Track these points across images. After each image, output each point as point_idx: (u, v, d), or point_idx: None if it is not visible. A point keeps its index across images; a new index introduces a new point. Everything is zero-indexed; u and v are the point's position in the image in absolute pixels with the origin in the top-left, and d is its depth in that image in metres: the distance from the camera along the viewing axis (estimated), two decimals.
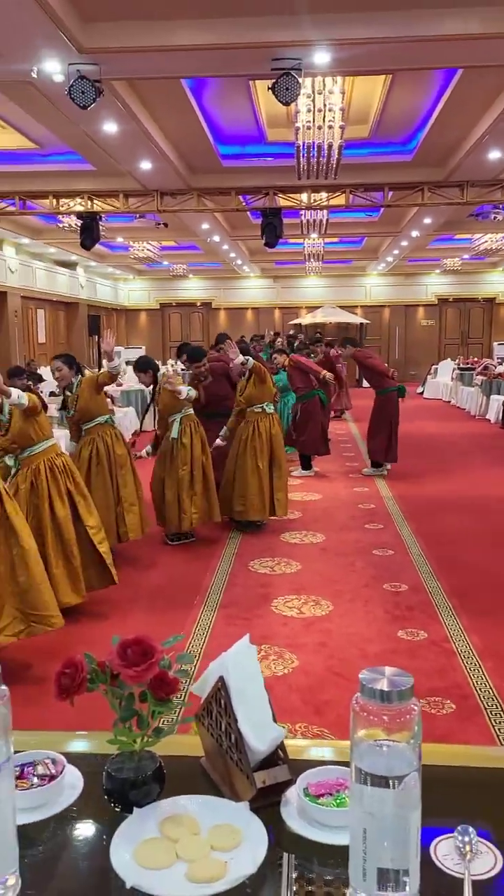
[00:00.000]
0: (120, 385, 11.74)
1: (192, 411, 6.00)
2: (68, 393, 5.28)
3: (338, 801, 1.01)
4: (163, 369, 6.12)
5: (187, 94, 7.73)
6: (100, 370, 6.14)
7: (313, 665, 3.75)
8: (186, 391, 5.77)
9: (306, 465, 8.86)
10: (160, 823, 0.98)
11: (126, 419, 11.05)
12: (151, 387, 6.07)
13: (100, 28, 5.96)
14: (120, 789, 1.02)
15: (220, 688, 1.07)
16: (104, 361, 5.20)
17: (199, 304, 24.35)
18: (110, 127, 8.07)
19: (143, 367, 6.03)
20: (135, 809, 0.99)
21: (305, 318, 21.68)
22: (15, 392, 4.15)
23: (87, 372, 5.46)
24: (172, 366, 6.87)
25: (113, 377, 5.26)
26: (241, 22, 5.85)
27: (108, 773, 1.03)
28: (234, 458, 6.20)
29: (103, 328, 5.61)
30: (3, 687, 0.86)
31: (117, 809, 1.03)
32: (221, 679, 1.07)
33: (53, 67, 6.30)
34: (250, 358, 5.99)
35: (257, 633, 4.12)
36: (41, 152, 9.94)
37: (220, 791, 1.08)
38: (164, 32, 5.93)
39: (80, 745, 1.26)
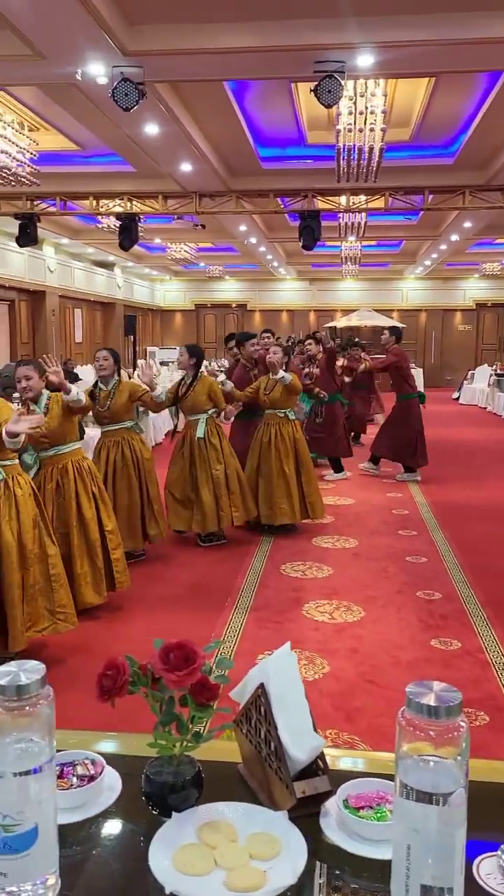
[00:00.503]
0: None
1: (213, 413, 5.99)
2: (102, 387, 5.29)
3: (378, 814, 0.99)
4: (203, 368, 6.15)
5: (229, 96, 7.75)
6: (135, 370, 6.18)
7: (344, 671, 3.72)
8: (231, 386, 6.07)
9: (338, 468, 8.82)
10: (198, 829, 0.98)
11: (159, 419, 11.12)
12: (183, 375, 6.04)
13: (144, 31, 6.01)
14: (159, 793, 1.01)
15: (261, 694, 1.07)
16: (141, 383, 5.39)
17: (234, 305, 24.40)
18: (152, 129, 8.12)
19: (195, 353, 5.94)
20: (173, 814, 0.99)
21: (341, 321, 21.59)
22: (74, 389, 4.21)
23: (124, 373, 5.52)
24: (210, 366, 6.93)
25: (158, 405, 5.58)
26: (284, 24, 5.85)
27: (147, 777, 1.03)
28: (256, 461, 6.19)
29: (142, 369, 5.69)
30: (48, 687, 0.87)
31: (155, 812, 1.03)
32: (262, 686, 1.07)
33: (97, 70, 6.36)
34: (286, 376, 5.98)
35: (288, 637, 4.09)
36: (83, 154, 10.05)
37: (257, 798, 1.07)
38: (207, 35, 5.95)
39: (117, 745, 1.27)
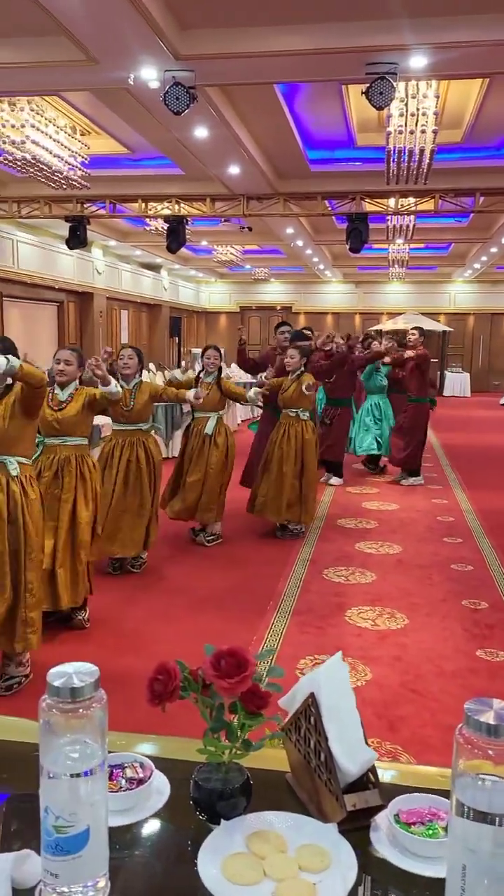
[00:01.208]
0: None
1: (223, 413, 6.11)
2: (124, 384, 5.24)
3: (430, 830, 0.97)
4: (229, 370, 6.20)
5: (279, 98, 7.75)
6: (184, 370, 6.22)
7: (387, 679, 3.68)
8: (272, 375, 6.27)
9: (339, 471, 8.73)
10: (247, 838, 0.97)
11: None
12: (200, 371, 6.11)
13: (196, 35, 6.04)
14: (207, 800, 1.01)
15: (311, 704, 1.05)
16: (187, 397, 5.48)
17: (279, 307, 24.40)
18: (201, 132, 8.17)
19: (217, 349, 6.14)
20: (222, 822, 0.99)
21: (386, 324, 21.41)
22: (113, 382, 4.24)
23: (151, 376, 5.55)
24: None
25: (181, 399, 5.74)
26: (336, 27, 5.82)
27: (196, 783, 1.02)
28: (265, 457, 6.25)
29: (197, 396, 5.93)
30: (101, 690, 0.87)
31: (203, 819, 1.02)
32: (312, 695, 1.05)
33: (150, 74, 6.43)
34: (308, 381, 6.02)
35: (330, 642, 4.08)
36: (132, 157, 10.16)
37: (305, 809, 1.06)
38: (259, 38, 5.96)
39: (164, 749, 1.26)
